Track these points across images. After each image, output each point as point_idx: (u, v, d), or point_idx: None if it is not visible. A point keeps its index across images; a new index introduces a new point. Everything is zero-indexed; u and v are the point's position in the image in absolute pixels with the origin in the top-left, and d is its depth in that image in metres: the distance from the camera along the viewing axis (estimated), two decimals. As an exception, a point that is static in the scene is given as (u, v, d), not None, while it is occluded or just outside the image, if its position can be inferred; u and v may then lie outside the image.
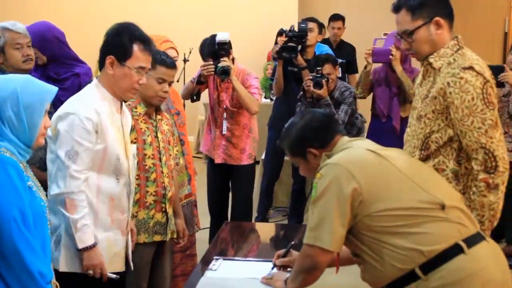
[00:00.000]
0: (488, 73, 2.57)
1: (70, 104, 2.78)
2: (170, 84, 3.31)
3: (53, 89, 2.23)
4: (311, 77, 5.08)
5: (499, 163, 2.48)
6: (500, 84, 4.83)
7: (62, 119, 2.70)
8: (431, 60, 2.64)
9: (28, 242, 2.08)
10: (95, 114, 2.72)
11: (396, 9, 2.67)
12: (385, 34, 9.86)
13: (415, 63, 5.09)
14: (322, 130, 2.49)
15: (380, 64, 5.33)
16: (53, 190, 2.68)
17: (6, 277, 2.09)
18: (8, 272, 2.09)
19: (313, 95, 5.06)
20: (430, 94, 2.62)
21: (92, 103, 2.75)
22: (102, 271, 2.74)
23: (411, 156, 2.68)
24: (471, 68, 2.53)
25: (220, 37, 4.45)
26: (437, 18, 2.60)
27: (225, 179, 4.95)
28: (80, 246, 2.69)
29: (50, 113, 3.50)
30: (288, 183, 6.13)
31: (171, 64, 3.27)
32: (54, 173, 2.70)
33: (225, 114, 4.69)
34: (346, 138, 2.50)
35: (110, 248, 2.81)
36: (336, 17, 7.64)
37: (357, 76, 7.10)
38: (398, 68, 4.98)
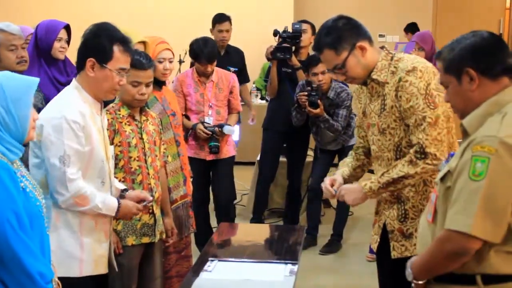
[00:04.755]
0: (430, 65, 2.73)
1: (54, 108, 2.75)
2: (147, 85, 3.26)
3: (35, 80, 2.22)
4: (306, 93, 5.11)
5: (428, 156, 2.67)
6: None
7: (49, 124, 2.67)
8: (375, 76, 2.79)
9: (25, 244, 2.07)
10: (80, 116, 2.70)
11: (318, 50, 2.81)
12: (380, 36, 9.94)
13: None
14: (492, 53, 2.15)
15: None
16: (58, 199, 2.67)
17: (6, 280, 2.08)
18: (8, 275, 2.08)
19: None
20: (386, 106, 2.77)
21: (76, 105, 2.72)
22: (140, 211, 2.94)
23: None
24: (414, 69, 2.69)
25: (227, 131, 4.90)
26: (358, 44, 2.75)
27: (208, 175, 5.19)
28: (113, 214, 2.82)
29: (40, 109, 3.52)
30: (283, 184, 6.13)
31: (142, 65, 3.20)
32: (50, 180, 2.68)
33: (210, 111, 4.94)
34: None
35: (95, 251, 2.80)
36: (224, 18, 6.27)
37: (249, 86, 6.78)
38: None
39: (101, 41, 2.75)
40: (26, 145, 3.38)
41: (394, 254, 2.83)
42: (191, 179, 4.12)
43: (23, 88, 2.17)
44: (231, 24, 6.13)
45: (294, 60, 5.39)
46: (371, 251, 5.27)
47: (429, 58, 4.98)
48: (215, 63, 4.98)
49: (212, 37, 5.80)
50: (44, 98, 3.64)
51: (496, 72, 2.12)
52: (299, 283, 2.84)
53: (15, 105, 2.13)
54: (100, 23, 2.85)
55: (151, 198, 3.01)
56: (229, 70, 5.58)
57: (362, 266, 5.15)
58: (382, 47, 2.82)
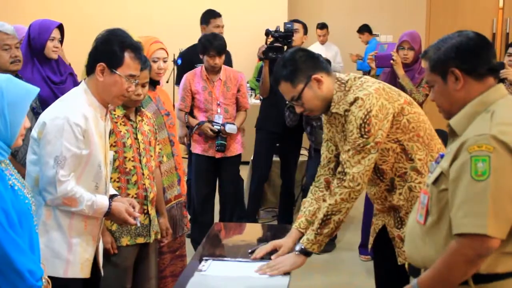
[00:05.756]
0: (374, 88, 2.75)
1: (59, 108, 2.75)
2: (143, 85, 3.27)
3: (35, 90, 2.22)
4: None
5: (346, 177, 2.74)
6: (500, 81, 4.89)
7: (51, 123, 2.68)
8: (334, 110, 2.84)
9: (15, 242, 2.07)
10: (83, 119, 2.70)
11: (275, 82, 2.87)
12: (374, 35, 9.96)
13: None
14: (477, 53, 2.14)
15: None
16: (46, 196, 2.69)
17: None
18: None
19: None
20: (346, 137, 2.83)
21: (80, 108, 2.73)
22: (131, 219, 2.87)
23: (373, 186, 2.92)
24: (355, 100, 2.74)
25: (228, 129, 5.04)
26: (314, 76, 2.79)
27: (215, 173, 5.27)
28: (100, 216, 2.81)
29: (37, 113, 3.52)
30: (277, 184, 6.14)
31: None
32: (41, 177, 2.69)
33: (219, 109, 5.06)
34: (503, 89, 2.17)
35: (82, 254, 2.80)
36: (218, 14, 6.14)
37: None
38: (400, 72, 4.91)
39: (113, 47, 2.77)
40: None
41: (400, 261, 2.86)
42: (186, 178, 4.12)
43: (22, 95, 2.17)
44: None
45: None
46: (361, 252, 5.28)
47: (417, 57, 4.99)
48: (223, 57, 5.07)
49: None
50: (38, 97, 3.64)
51: (481, 72, 2.13)
52: (293, 282, 2.84)
53: (10, 109, 2.13)
54: (113, 29, 2.87)
55: (137, 207, 2.98)
56: None
57: (356, 265, 5.17)
58: (335, 79, 2.84)
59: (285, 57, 2.85)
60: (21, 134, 2.20)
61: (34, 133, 2.72)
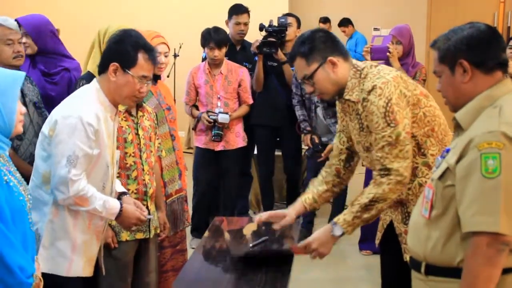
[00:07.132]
0: (392, 76, 2.70)
1: (72, 106, 2.73)
2: None
3: (21, 74, 2.20)
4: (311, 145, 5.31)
5: (391, 172, 2.67)
6: None
7: (63, 121, 2.67)
8: (347, 97, 2.79)
9: (6, 236, 2.04)
10: (96, 119, 2.70)
11: (292, 59, 2.84)
12: (375, 29, 9.96)
13: (419, 58, 5.19)
14: (487, 46, 2.12)
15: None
16: (58, 196, 2.67)
17: None
18: None
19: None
20: (363, 125, 2.79)
21: (93, 108, 2.72)
22: (141, 221, 2.90)
23: None
24: (373, 88, 2.69)
25: (220, 119, 5.13)
26: (330, 58, 2.74)
27: (216, 167, 5.33)
28: (113, 218, 2.82)
29: (39, 108, 3.52)
30: (279, 178, 6.13)
31: None
32: (53, 176, 2.67)
33: (219, 103, 5.16)
34: (510, 84, 2.15)
35: (86, 253, 2.81)
36: (242, 10, 5.88)
37: None
38: (396, 65, 4.90)
39: (126, 47, 2.77)
40: (21, 138, 3.39)
41: (406, 257, 2.83)
42: (186, 172, 4.13)
43: (9, 82, 2.14)
44: (249, 17, 5.82)
45: (280, 54, 5.40)
46: (361, 247, 5.29)
47: (407, 51, 4.98)
48: (223, 50, 5.15)
49: (227, 29, 5.69)
50: (38, 93, 3.64)
51: (490, 66, 2.12)
52: (294, 276, 2.85)
53: (1, 99, 2.10)
54: (126, 29, 2.88)
55: (146, 212, 3.00)
56: (246, 66, 5.55)
57: (357, 259, 5.18)
58: (352, 65, 2.80)
59: (305, 35, 2.81)
60: (20, 120, 2.17)
61: (45, 130, 2.71)
